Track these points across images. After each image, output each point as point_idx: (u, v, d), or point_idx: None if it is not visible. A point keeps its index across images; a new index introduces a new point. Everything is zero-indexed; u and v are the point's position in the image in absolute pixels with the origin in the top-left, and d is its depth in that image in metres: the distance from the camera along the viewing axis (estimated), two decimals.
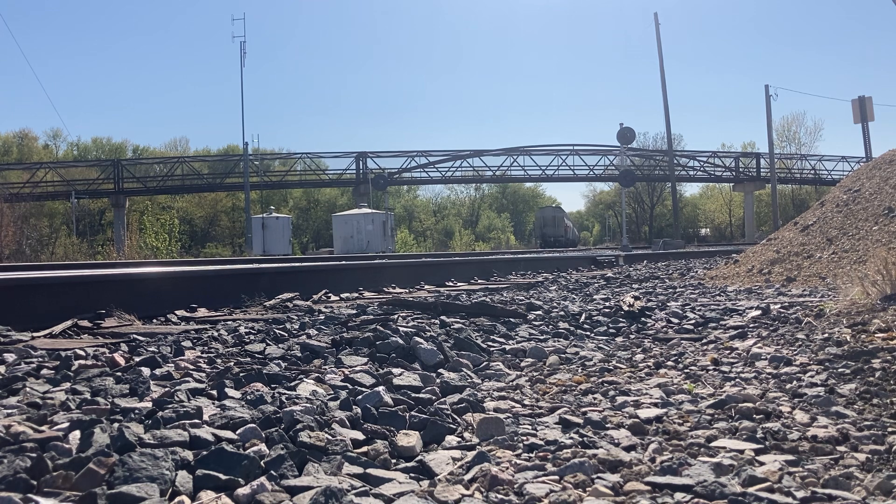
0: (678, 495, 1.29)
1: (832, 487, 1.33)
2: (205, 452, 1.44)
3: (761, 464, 1.48)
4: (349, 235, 33.90)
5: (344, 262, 8.77)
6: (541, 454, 1.59)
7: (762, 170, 47.36)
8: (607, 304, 4.89)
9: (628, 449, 1.63)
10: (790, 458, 1.51)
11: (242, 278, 5.27)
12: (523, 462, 1.54)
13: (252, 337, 3.15)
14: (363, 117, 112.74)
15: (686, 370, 2.61)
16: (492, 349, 3.12)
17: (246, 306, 4.81)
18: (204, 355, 2.70)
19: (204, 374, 2.33)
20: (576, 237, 63.95)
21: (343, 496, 1.29)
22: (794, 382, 2.27)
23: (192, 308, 4.49)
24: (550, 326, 3.82)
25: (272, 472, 1.41)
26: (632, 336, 3.61)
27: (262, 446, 1.55)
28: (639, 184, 60.74)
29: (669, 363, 2.77)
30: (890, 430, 1.68)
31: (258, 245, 34.42)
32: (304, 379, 2.27)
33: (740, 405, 1.94)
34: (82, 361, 2.47)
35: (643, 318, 4.12)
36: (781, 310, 4.10)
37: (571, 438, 1.71)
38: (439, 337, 3.10)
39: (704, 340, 3.33)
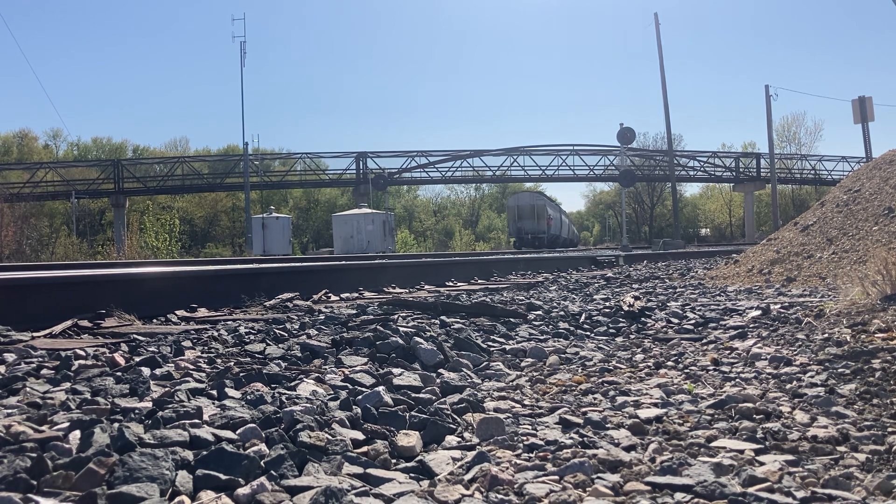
0: (678, 495, 1.29)
1: (832, 487, 1.33)
2: (205, 452, 1.44)
3: (761, 464, 1.48)
4: (349, 235, 33.88)
5: (344, 262, 8.77)
6: (541, 454, 1.59)
7: (762, 170, 47.35)
8: (607, 304, 4.88)
9: (628, 449, 1.63)
10: (790, 458, 1.51)
11: (242, 278, 5.26)
12: (523, 462, 1.54)
13: (252, 337, 3.15)
14: (363, 117, 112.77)
15: (686, 370, 2.61)
16: (492, 349, 3.12)
17: (246, 306, 4.81)
18: (204, 355, 2.70)
19: (204, 374, 2.34)
20: (575, 235, 57.59)
21: (343, 496, 1.29)
22: (794, 382, 2.27)
23: (192, 308, 4.48)
24: (550, 326, 3.82)
25: (272, 472, 1.41)
26: (632, 336, 3.61)
27: (262, 446, 1.55)
28: (639, 184, 60.14)
29: (669, 363, 2.77)
30: (890, 430, 1.68)
31: (258, 245, 34.40)
32: (304, 379, 2.27)
33: (740, 405, 1.94)
34: (82, 361, 2.47)
35: (643, 318, 4.12)
36: (781, 310, 4.10)
37: (571, 438, 1.71)
38: (439, 337, 3.10)
39: (704, 340, 3.33)
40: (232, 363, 2.53)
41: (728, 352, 2.94)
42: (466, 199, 79.57)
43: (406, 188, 70.13)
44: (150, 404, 1.85)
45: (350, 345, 2.91)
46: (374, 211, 35.31)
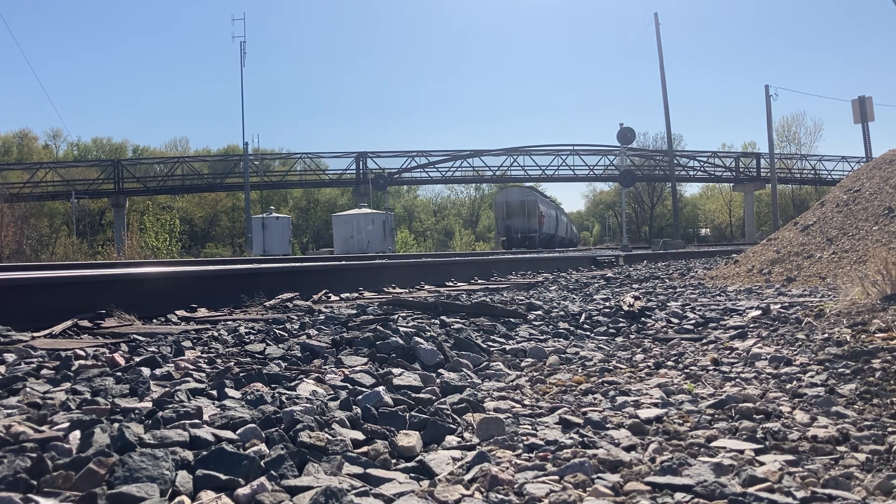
0: (678, 495, 1.29)
1: (832, 487, 1.33)
2: (205, 452, 1.44)
3: (761, 464, 1.48)
4: (349, 235, 33.88)
5: (344, 262, 8.77)
6: (541, 454, 1.59)
7: (762, 170, 47.36)
8: (607, 304, 4.88)
9: (628, 449, 1.63)
10: (790, 458, 1.51)
11: (242, 278, 5.26)
12: (523, 462, 1.54)
13: (252, 337, 3.15)
14: (363, 117, 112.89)
15: (686, 370, 2.60)
16: (492, 349, 3.12)
17: (246, 306, 4.81)
18: (204, 355, 2.70)
19: (204, 374, 2.33)
20: (574, 235, 56.46)
21: (343, 496, 1.29)
22: (795, 382, 2.27)
23: (192, 308, 4.48)
24: (550, 326, 3.82)
25: (272, 472, 1.41)
26: (632, 336, 3.61)
27: (262, 446, 1.55)
28: (639, 184, 59.97)
29: (669, 363, 2.77)
30: (890, 430, 1.68)
31: (258, 245, 34.41)
32: (304, 379, 2.27)
33: (740, 405, 1.94)
34: (82, 361, 2.47)
35: (643, 318, 4.12)
36: (781, 310, 4.10)
37: (571, 438, 1.71)
38: (439, 337, 3.10)
39: (704, 340, 3.33)
40: (232, 363, 2.53)
41: (728, 352, 2.94)
42: (466, 199, 79.57)
43: (406, 188, 70.15)
44: (150, 404, 1.85)
45: (350, 345, 2.91)
46: (374, 211, 35.32)
